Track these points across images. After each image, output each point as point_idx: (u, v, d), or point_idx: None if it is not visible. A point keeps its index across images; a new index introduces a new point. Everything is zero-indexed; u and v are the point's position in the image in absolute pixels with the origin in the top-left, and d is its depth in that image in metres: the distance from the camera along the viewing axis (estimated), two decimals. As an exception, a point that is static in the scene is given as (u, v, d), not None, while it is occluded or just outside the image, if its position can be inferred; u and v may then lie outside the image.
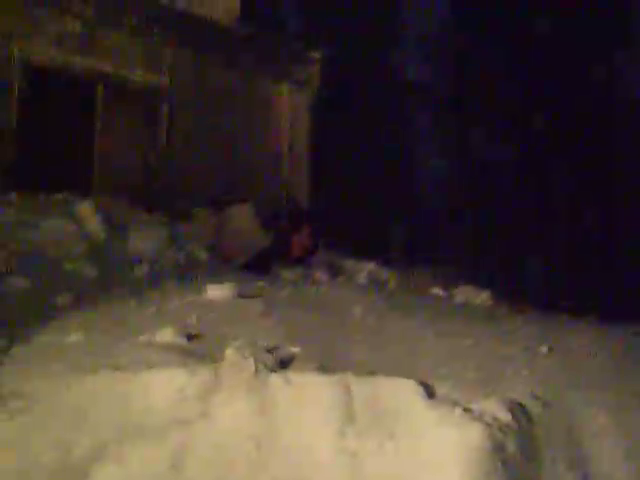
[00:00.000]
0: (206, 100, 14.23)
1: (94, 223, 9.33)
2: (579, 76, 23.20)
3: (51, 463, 3.99)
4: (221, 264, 10.17)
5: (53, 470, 3.98)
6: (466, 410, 4.27)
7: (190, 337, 5.56)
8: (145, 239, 9.58)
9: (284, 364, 4.91)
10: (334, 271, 10.41)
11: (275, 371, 4.58)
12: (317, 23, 20.06)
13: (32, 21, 11.61)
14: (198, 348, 5.30)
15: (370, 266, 11.68)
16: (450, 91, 25.63)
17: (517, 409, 4.45)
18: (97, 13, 12.37)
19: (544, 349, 6.14)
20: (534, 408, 4.61)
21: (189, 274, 8.89)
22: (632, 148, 23.48)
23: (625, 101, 24.25)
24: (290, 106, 15.97)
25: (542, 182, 23.67)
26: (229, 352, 4.71)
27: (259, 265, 10.66)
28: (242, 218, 13.14)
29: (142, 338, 5.47)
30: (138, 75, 13.04)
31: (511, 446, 4.14)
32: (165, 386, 4.33)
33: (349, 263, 11.71)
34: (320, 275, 9.93)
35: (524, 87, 24.10)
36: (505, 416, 4.30)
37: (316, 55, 16.25)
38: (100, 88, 12.53)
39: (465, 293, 10.14)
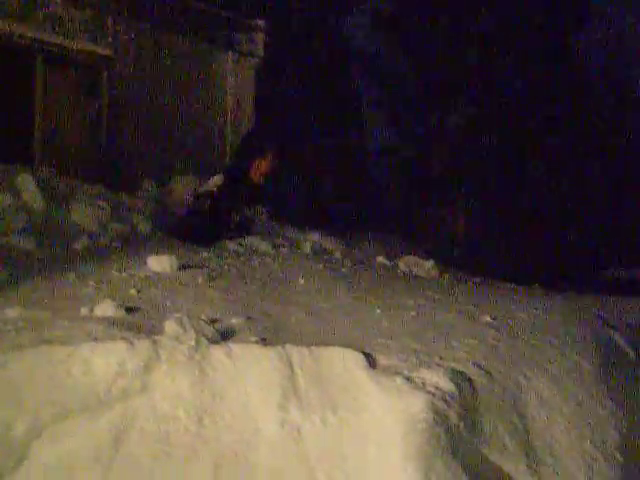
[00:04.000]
0: (149, 70, 14.07)
1: (34, 195, 9.18)
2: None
3: (-10, 442, 3.92)
4: (165, 236, 10.07)
5: (-7, 448, 3.91)
6: (408, 379, 4.27)
7: (130, 310, 5.49)
8: (87, 211, 9.45)
9: (225, 336, 4.87)
10: (278, 241, 10.34)
11: (216, 343, 4.54)
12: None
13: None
14: (138, 321, 5.23)
15: (315, 236, 11.65)
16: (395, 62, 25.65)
17: (460, 379, 4.47)
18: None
19: (488, 318, 6.17)
20: (477, 378, 4.63)
21: (132, 247, 8.78)
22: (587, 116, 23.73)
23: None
24: (235, 76, 15.85)
25: (487, 147, 23.78)
26: (169, 324, 4.66)
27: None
28: (185, 189, 13.04)
29: (81, 312, 5.38)
30: (79, 44, 12.82)
31: (454, 416, 4.15)
32: (104, 360, 4.26)
33: (293, 233, 11.66)
34: (264, 245, 9.86)
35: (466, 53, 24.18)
36: (447, 385, 4.31)
37: (260, 23, 16.13)
38: (40, 57, 12.29)
39: (409, 263, 10.16)
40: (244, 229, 10.51)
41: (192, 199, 11.22)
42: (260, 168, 10.78)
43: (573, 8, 24.54)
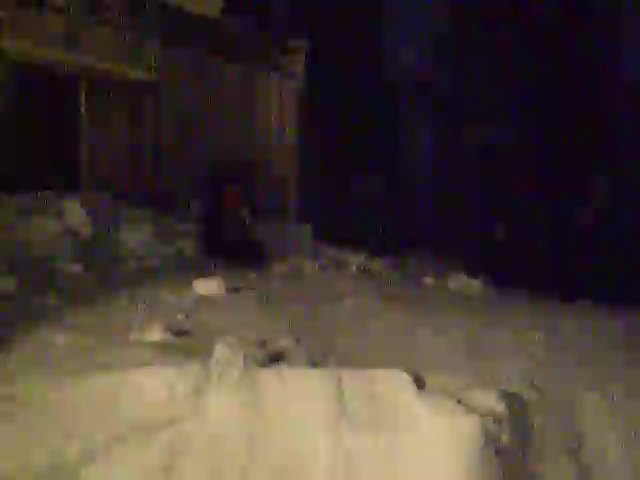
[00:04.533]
0: (193, 94, 14.18)
1: (81, 220, 9.28)
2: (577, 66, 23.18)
3: (41, 467, 3.93)
4: (211, 258, 10.13)
5: (43, 474, 3.92)
6: (458, 400, 4.24)
7: (179, 333, 5.52)
8: (132, 235, 9.54)
9: (274, 359, 4.87)
10: (324, 262, 10.36)
11: (265, 366, 4.54)
12: (304, 11, 20.02)
13: (15, 18, 11.51)
14: (187, 344, 5.26)
15: (360, 256, 11.66)
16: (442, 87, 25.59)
17: (511, 398, 4.43)
18: (81, 8, 12.28)
19: (537, 336, 6.12)
20: (529, 397, 4.59)
21: (179, 270, 8.85)
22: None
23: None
24: (278, 97, 15.94)
25: (533, 169, 23.63)
26: (218, 348, 4.66)
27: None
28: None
29: (131, 336, 5.43)
30: (124, 70, 12.96)
31: (505, 436, 4.11)
32: (155, 384, 4.28)
33: (338, 253, 11.68)
34: (310, 266, 9.89)
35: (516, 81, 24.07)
36: (498, 406, 4.27)
37: (302, 45, 16.20)
38: (84, 83, 12.43)
39: (457, 281, 10.12)
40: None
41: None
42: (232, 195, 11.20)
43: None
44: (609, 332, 6.72)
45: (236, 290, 7.53)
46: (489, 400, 4.30)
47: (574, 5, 23.25)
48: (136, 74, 13.11)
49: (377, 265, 11.21)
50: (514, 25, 23.61)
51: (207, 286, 7.28)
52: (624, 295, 12.80)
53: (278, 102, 15.93)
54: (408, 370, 4.52)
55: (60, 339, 5.34)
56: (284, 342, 5.43)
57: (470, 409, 4.15)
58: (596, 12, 23.62)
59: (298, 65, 16.23)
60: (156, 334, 5.38)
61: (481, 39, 24.10)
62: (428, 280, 10.34)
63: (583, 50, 23.09)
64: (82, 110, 12.45)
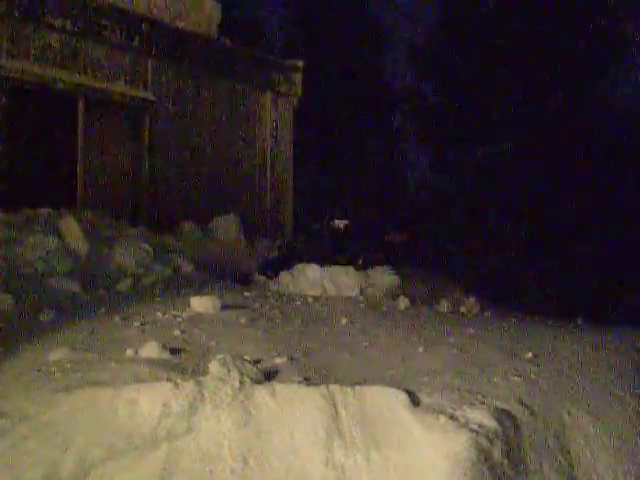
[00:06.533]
0: (190, 112, 14.25)
1: (78, 238, 9.31)
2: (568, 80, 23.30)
3: (36, 482, 3.96)
4: (207, 276, 10.15)
5: (38, 489, 3.95)
6: (452, 418, 4.27)
7: (174, 351, 5.55)
8: (130, 253, 9.57)
9: (269, 376, 4.91)
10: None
11: (260, 383, 4.56)
12: (299, 32, 20.15)
13: (12, 36, 11.58)
14: (182, 362, 5.29)
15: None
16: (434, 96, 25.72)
17: (503, 416, 4.45)
18: (78, 27, 12.35)
19: (529, 355, 6.15)
20: (520, 415, 4.61)
21: (174, 288, 8.88)
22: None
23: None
24: (273, 115, 16.01)
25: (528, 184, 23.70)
26: (213, 365, 4.70)
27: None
28: (227, 229, 13.16)
29: (126, 353, 5.46)
30: (120, 89, 13.03)
31: (497, 453, 4.14)
32: (150, 401, 4.31)
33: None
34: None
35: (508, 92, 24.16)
36: (491, 423, 4.30)
37: (298, 64, 16.30)
38: (82, 102, 12.50)
39: (451, 300, 10.15)
40: None
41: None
42: None
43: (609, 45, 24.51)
44: (601, 351, 6.74)
45: (231, 308, 7.56)
46: (481, 417, 4.33)
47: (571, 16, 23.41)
48: (133, 92, 13.18)
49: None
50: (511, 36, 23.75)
51: (203, 304, 7.31)
52: (621, 315, 12.85)
53: (274, 119, 16.01)
54: (401, 387, 4.55)
55: (55, 356, 5.37)
56: (278, 360, 5.47)
57: (462, 426, 4.19)
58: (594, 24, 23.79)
59: (294, 84, 16.32)
60: (151, 351, 5.41)
61: (475, 52, 24.24)
62: (422, 297, 10.36)
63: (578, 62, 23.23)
64: (79, 128, 12.51)
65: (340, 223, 13.12)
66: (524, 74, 23.47)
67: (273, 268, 11.14)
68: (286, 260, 11.36)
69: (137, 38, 13.22)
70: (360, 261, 11.84)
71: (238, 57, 15.02)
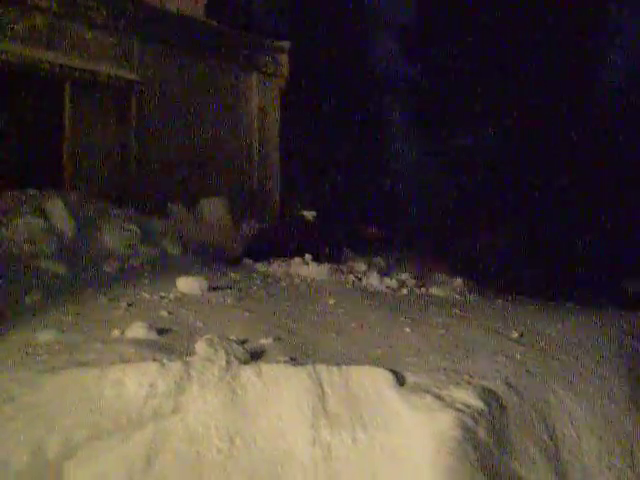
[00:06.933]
0: (176, 93, 14.20)
1: (64, 219, 9.28)
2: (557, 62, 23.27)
3: (23, 463, 3.95)
4: (194, 258, 10.14)
5: (25, 470, 3.93)
6: (437, 397, 4.29)
7: (161, 331, 5.55)
8: (117, 235, 9.55)
9: (255, 356, 4.91)
10: (308, 262, 10.40)
11: (246, 363, 4.57)
12: (286, 12, 20.09)
13: (-3, 17, 11.52)
14: (169, 342, 5.29)
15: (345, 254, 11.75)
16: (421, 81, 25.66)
17: (488, 396, 4.48)
18: (64, 8, 12.28)
19: (515, 335, 6.18)
20: (506, 395, 4.64)
21: (161, 269, 8.86)
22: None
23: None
24: (260, 96, 15.96)
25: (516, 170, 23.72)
26: (199, 345, 4.70)
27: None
28: (215, 210, 13.15)
29: (113, 334, 5.45)
30: (107, 69, 12.96)
31: (483, 432, 4.16)
32: (136, 381, 4.31)
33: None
34: (294, 266, 9.93)
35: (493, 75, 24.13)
36: (476, 403, 4.32)
37: (284, 45, 16.24)
38: (68, 83, 12.43)
39: (437, 281, 10.17)
40: None
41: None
42: None
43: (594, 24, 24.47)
44: (587, 332, 6.78)
45: (218, 289, 7.56)
46: (467, 397, 4.35)
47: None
48: (119, 73, 13.11)
49: (358, 264, 11.24)
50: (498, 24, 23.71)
51: (189, 285, 7.31)
52: (607, 297, 12.91)
53: (260, 100, 15.96)
54: (387, 367, 4.57)
55: (42, 337, 5.36)
56: (265, 340, 5.47)
57: (448, 405, 4.21)
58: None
59: (281, 65, 16.27)
60: (138, 332, 5.41)
61: (463, 37, 24.19)
62: (408, 278, 10.38)
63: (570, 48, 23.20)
64: (66, 109, 12.44)
65: (309, 214, 13.03)
66: (515, 56, 23.45)
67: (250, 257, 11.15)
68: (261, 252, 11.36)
69: (123, 19, 13.15)
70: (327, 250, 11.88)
71: (224, 38, 14.95)
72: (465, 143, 24.62)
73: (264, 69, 15.93)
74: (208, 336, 4.87)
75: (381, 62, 25.71)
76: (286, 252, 11.00)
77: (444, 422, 4.05)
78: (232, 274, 8.95)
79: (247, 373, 4.38)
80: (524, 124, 23.12)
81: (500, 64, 23.61)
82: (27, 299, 6.68)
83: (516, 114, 23.36)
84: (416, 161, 26.02)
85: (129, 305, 6.57)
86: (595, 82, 24.77)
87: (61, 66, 12.25)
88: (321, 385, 4.33)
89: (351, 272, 10.41)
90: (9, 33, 11.67)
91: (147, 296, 7.00)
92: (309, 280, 9.12)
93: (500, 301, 9.36)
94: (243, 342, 5.20)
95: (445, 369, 4.95)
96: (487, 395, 4.48)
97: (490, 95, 23.83)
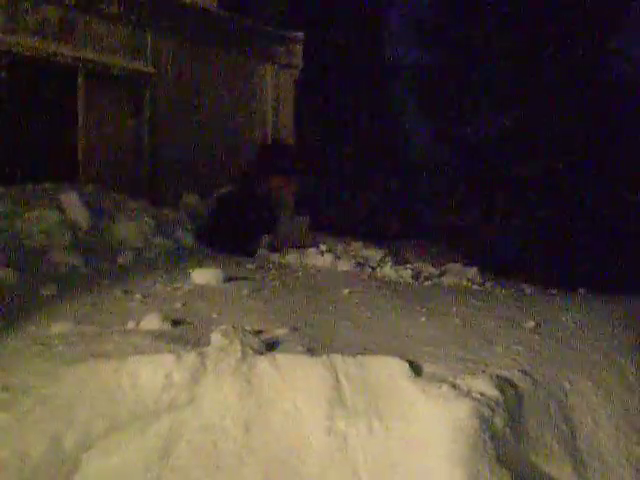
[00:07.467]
0: (190, 84, 14.20)
1: (79, 211, 9.30)
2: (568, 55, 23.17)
3: (41, 455, 3.96)
4: (209, 249, 10.16)
5: (43, 462, 3.95)
6: (453, 387, 4.28)
7: (176, 323, 5.56)
8: (131, 226, 9.56)
9: (271, 347, 4.91)
10: (321, 252, 10.40)
11: (262, 354, 4.57)
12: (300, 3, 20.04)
13: (10, 10, 11.52)
14: (184, 333, 5.30)
15: (357, 246, 11.71)
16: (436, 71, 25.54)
17: (505, 385, 4.46)
18: (76, 0, 12.28)
19: (531, 324, 6.16)
20: (522, 384, 4.62)
21: (176, 260, 8.88)
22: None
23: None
24: (274, 87, 15.95)
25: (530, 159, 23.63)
26: (215, 336, 4.70)
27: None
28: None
29: (128, 325, 5.47)
30: (120, 61, 12.96)
31: (499, 422, 4.15)
32: (152, 372, 4.32)
33: (334, 243, 11.72)
34: (308, 256, 9.94)
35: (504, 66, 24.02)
36: (493, 392, 4.31)
37: (299, 36, 16.22)
38: (82, 75, 12.44)
39: (453, 271, 10.16)
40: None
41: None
42: (284, 188, 11.25)
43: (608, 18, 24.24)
44: (603, 320, 6.76)
45: (233, 280, 7.56)
46: (482, 385, 4.34)
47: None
48: (133, 65, 13.12)
49: (374, 254, 11.24)
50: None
51: (204, 276, 7.32)
52: (623, 284, 12.86)
53: (275, 91, 15.95)
54: (403, 357, 4.56)
55: (58, 329, 5.38)
56: (280, 330, 5.47)
57: (464, 394, 4.20)
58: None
59: (295, 55, 16.24)
60: (153, 323, 5.42)
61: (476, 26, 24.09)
62: (424, 268, 10.37)
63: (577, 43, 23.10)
64: (80, 102, 12.46)
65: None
66: (529, 42, 23.31)
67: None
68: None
69: (136, 11, 13.15)
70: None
71: (238, 29, 14.93)
72: (479, 130, 24.51)
73: (278, 60, 15.91)
74: (223, 327, 4.88)
75: (395, 47, 25.59)
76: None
77: (460, 411, 4.04)
78: (248, 265, 8.95)
79: (263, 363, 4.38)
80: (539, 110, 23.01)
81: (516, 50, 23.49)
82: (42, 291, 6.70)
83: (531, 101, 23.25)
84: (430, 148, 25.95)
85: (144, 296, 6.58)
86: (612, 72, 24.61)
87: (74, 58, 12.26)
88: (337, 375, 4.33)
89: (366, 262, 10.40)
90: (22, 26, 11.68)
91: (162, 288, 7.01)
92: (324, 271, 9.11)
93: (516, 290, 9.34)
94: (259, 333, 5.20)
95: (461, 358, 4.94)
96: (503, 384, 4.47)
97: (506, 83, 23.73)
